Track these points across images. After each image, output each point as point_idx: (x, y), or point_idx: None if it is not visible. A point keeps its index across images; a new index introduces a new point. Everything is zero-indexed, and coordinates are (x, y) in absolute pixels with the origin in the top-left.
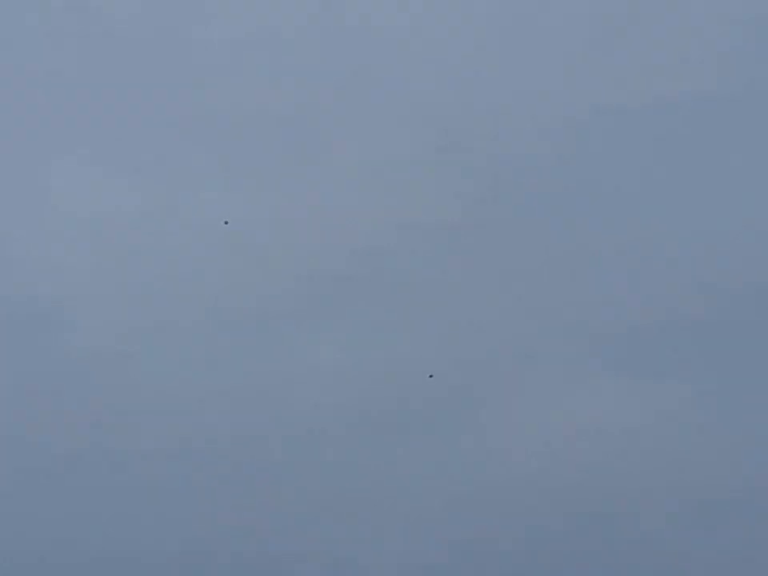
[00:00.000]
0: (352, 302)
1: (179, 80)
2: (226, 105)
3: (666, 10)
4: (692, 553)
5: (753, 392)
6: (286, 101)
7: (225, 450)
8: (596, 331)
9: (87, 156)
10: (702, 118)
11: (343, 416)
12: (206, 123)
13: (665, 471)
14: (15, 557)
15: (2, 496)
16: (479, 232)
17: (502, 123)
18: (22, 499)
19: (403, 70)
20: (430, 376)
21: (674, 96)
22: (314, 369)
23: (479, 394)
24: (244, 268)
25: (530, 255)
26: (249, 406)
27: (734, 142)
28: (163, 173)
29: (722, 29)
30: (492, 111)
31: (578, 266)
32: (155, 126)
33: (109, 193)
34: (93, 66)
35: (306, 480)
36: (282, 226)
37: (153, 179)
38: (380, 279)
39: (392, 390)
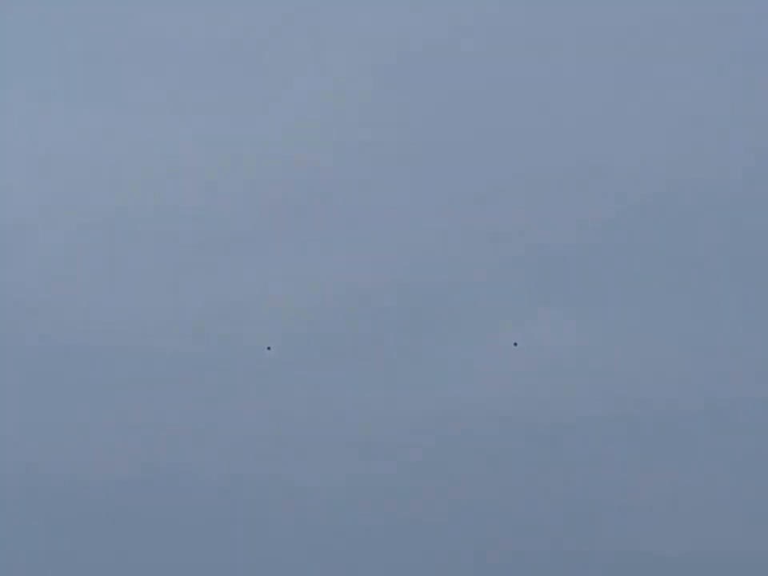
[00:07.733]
0: (299, 225)
1: (128, 9)
2: (176, 34)
3: None
4: (624, 462)
5: (681, 317)
6: (237, 33)
7: (175, 376)
8: (536, 259)
9: (34, 89)
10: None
11: (291, 342)
12: (157, 53)
13: (604, 394)
14: None
15: None
16: (424, 154)
17: (448, 54)
18: None
19: (353, 3)
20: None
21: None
22: (264, 293)
23: (423, 322)
24: (192, 195)
25: (474, 181)
26: (201, 332)
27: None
28: (111, 104)
29: None
30: (437, 44)
31: (521, 194)
32: (103, 56)
33: (56, 126)
34: None
35: (255, 406)
36: (227, 154)
37: (101, 111)
38: (325, 203)
39: (339, 317)
